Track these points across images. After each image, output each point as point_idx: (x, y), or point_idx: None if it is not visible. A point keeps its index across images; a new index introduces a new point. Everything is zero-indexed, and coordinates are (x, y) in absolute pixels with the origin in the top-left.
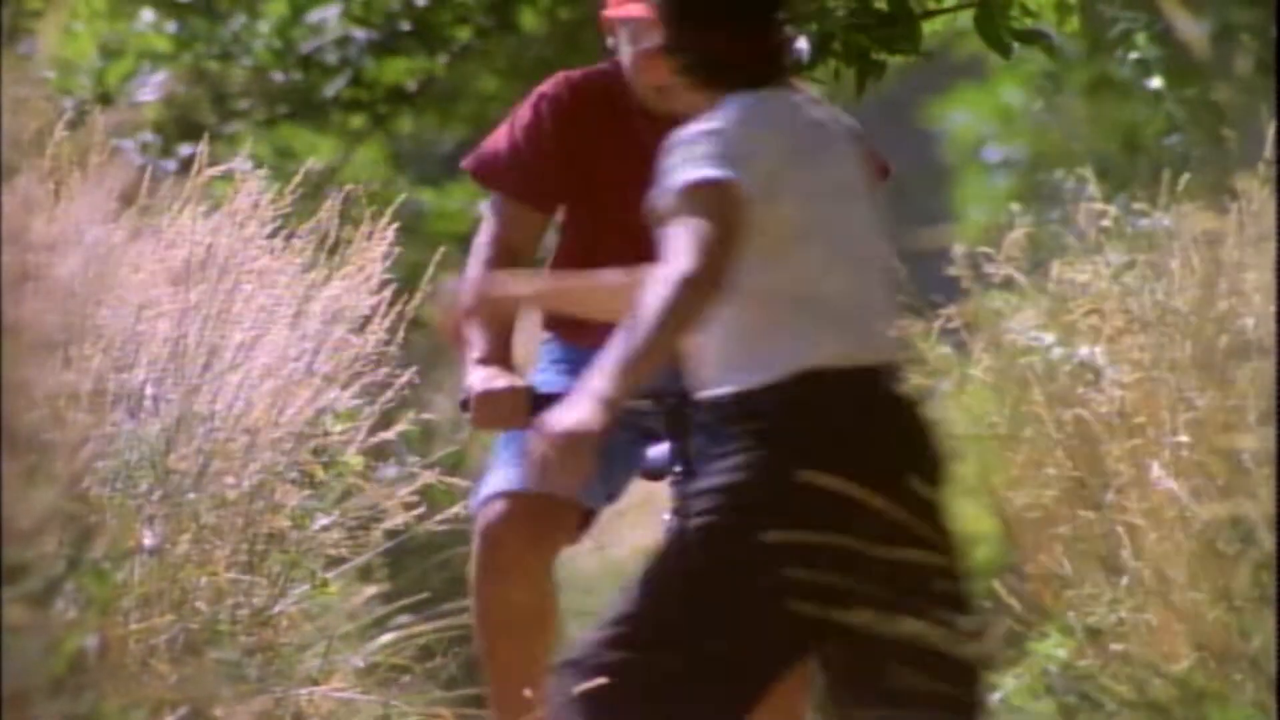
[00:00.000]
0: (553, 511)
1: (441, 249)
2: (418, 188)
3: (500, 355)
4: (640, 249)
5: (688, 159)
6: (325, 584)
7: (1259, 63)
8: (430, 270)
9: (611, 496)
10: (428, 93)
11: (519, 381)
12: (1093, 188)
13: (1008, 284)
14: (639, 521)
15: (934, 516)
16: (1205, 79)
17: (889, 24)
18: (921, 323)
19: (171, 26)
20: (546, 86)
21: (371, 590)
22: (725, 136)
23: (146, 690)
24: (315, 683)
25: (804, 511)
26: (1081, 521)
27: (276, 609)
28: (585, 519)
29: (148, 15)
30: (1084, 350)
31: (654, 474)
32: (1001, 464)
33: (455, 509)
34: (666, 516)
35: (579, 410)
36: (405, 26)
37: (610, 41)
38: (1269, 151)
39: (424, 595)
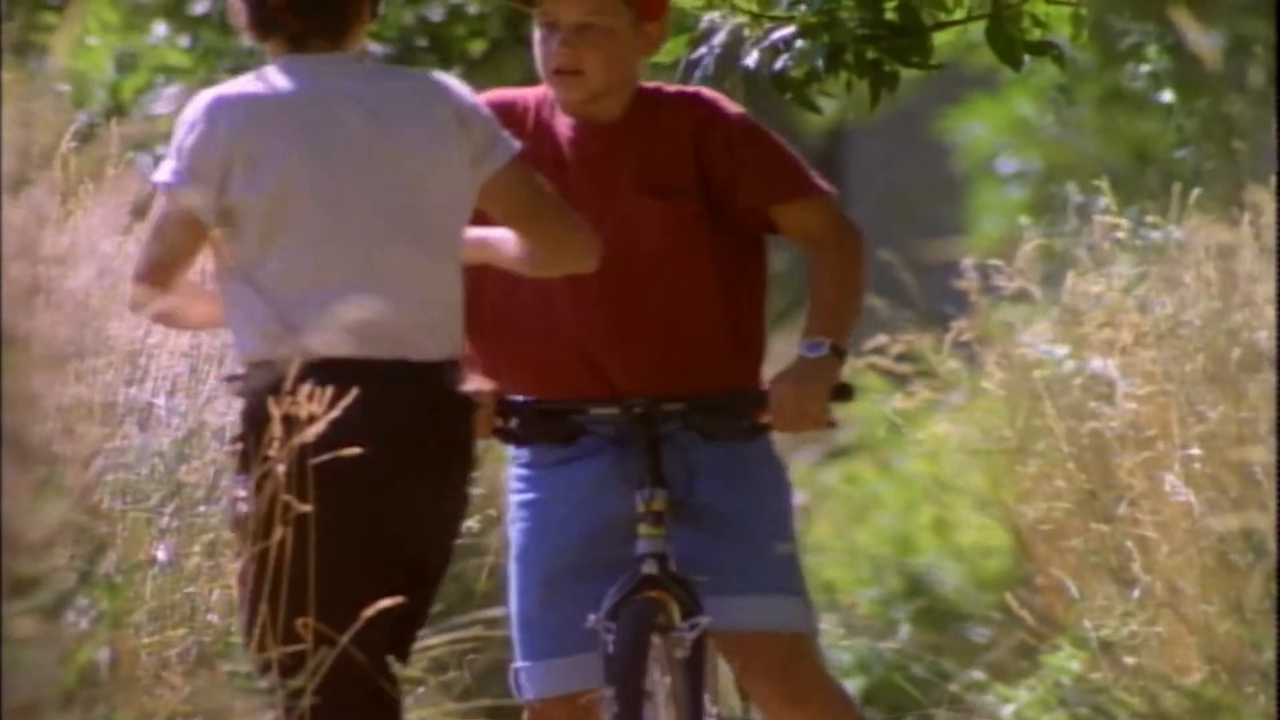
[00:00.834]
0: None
1: None
2: None
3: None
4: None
5: None
6: None
7: (1270, 75)
8: None
9: None
10: None
11: (485, 385)
12: (1105, 200)
13: (1020, 296)
14: None
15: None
16: (1216, 91)
17: (901, 36)
18: (933, 335)
19: (186, 40)
20: None
21: (384, 603)
22: None
23: (158, 703)
24: None
25: None
26: (1093, 534)
27: None
28: None
29: (162, 29)
30: (1096, 363)
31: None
32: (1013, 477)
33: (468, 522)
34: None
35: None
36: (421, 42)
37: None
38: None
39: (436, 609)
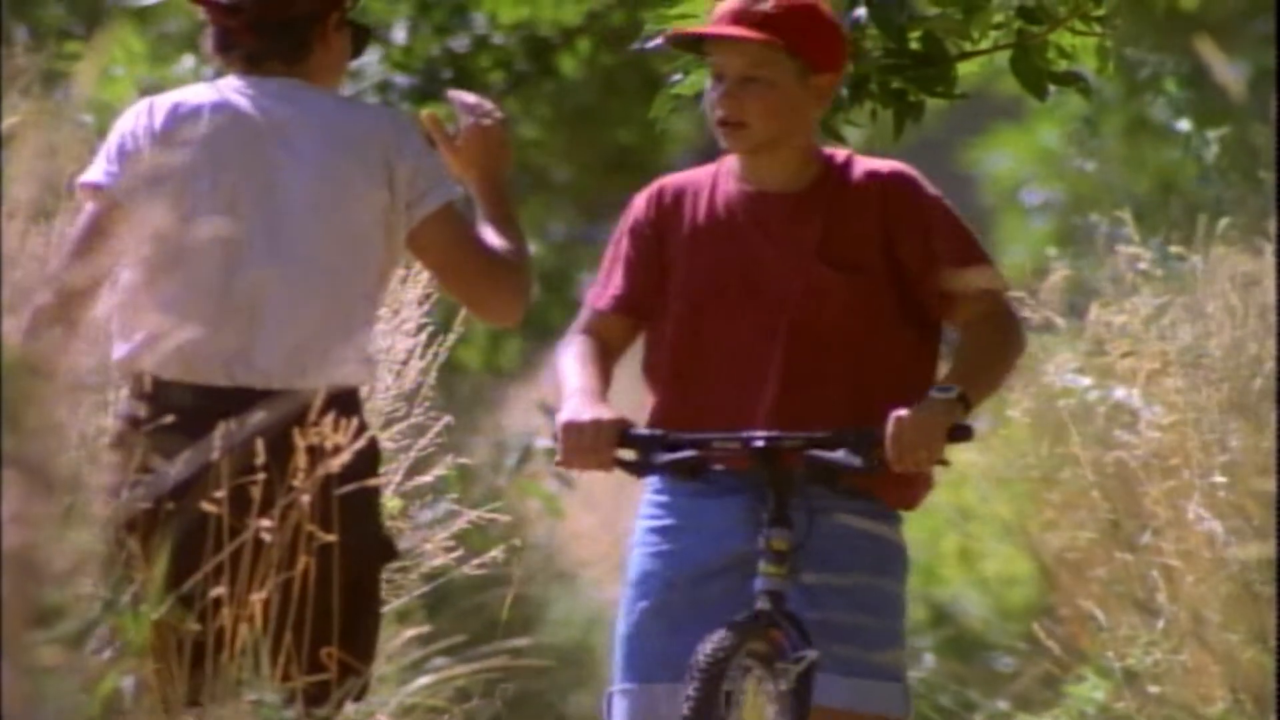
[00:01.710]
0: None
1: None
2: None
3: (594, 386)
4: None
5: None
6: None
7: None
8: (464, 313)
9: None
10: None
11: (608, 414)
12: (1129, 230)
13: (1045, 326)
14: None
15: None
16: (1240, 121)
17: (925, 65)
18: None
19: (210, 71)
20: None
21: (410, 632)
22: None
23: None
24: None
25: None
26: (1117, 563)
27: None
28: None
29: (188, 60)
30: (1120, 392)
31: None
32: (1038, 506)
33: (493, 552)
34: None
35: None
36: (446, 74)
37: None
38: None
39: (462, 638)
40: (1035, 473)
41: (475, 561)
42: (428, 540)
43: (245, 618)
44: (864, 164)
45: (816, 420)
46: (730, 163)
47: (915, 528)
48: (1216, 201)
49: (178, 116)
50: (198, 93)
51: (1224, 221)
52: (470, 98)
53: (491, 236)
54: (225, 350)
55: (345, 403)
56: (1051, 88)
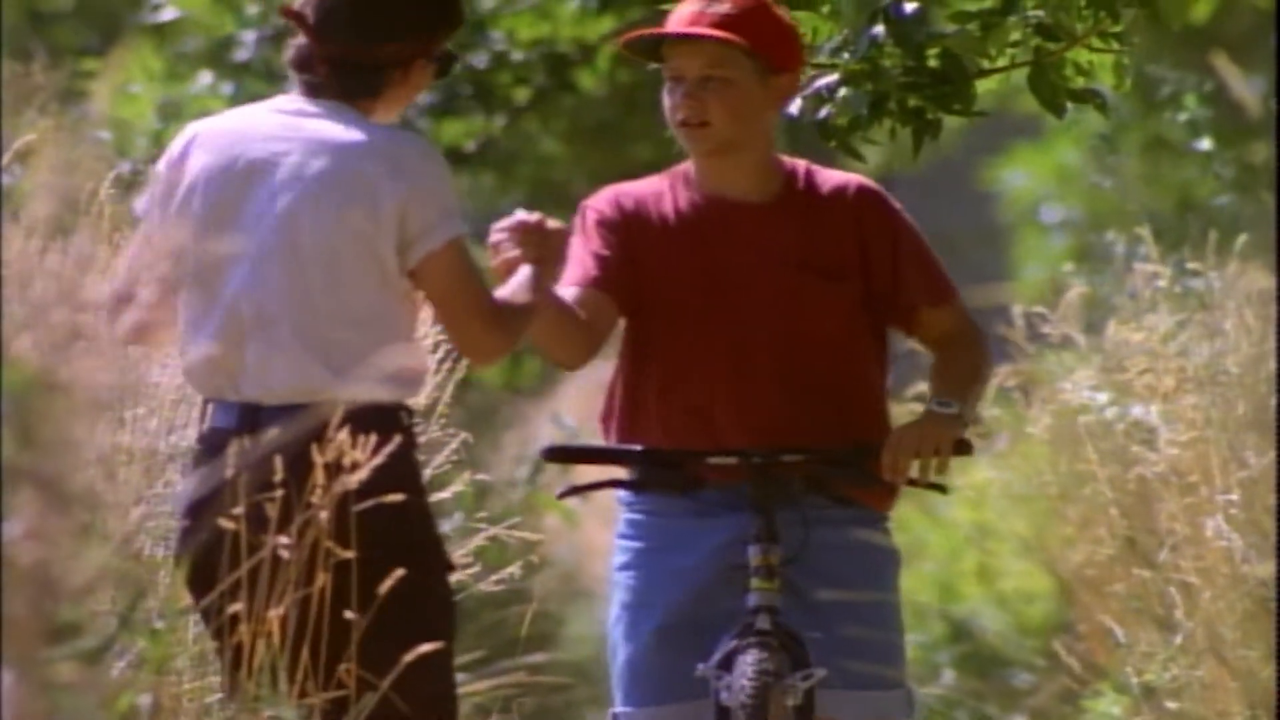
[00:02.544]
0: None
1: None
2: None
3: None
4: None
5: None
6: None
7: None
8: None
9: None
10: (486, 153)
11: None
12: (1147, 248)
13: (1064, 343)
14: None
15: None
16: (1257, 139)
17: (943, 83)
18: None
19: (228, 88)
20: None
21: (426, 649)
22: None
23: None
24: None
25: None
26: (1136, 580)
27: None
28: None
29: (205, 78)
30: (1138, 409)
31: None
32: (1056, 523)
33: (511, 568)
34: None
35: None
36: (465, 90)
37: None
38: None
39: (480, 654)
40: (1053, 489)
41: (493, 578)
42: None
43: (263, 634)
44: (828, 175)
45: (807, 430)
46: (686, 172)
47: (934, 544)
48: (1234, 218)
49: (195, 140)
50: (229, 115)
51: (1241, 238)
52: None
53: (506, 286)
54: (231, 367)
55: (372, 419)
56: (1069, 105)
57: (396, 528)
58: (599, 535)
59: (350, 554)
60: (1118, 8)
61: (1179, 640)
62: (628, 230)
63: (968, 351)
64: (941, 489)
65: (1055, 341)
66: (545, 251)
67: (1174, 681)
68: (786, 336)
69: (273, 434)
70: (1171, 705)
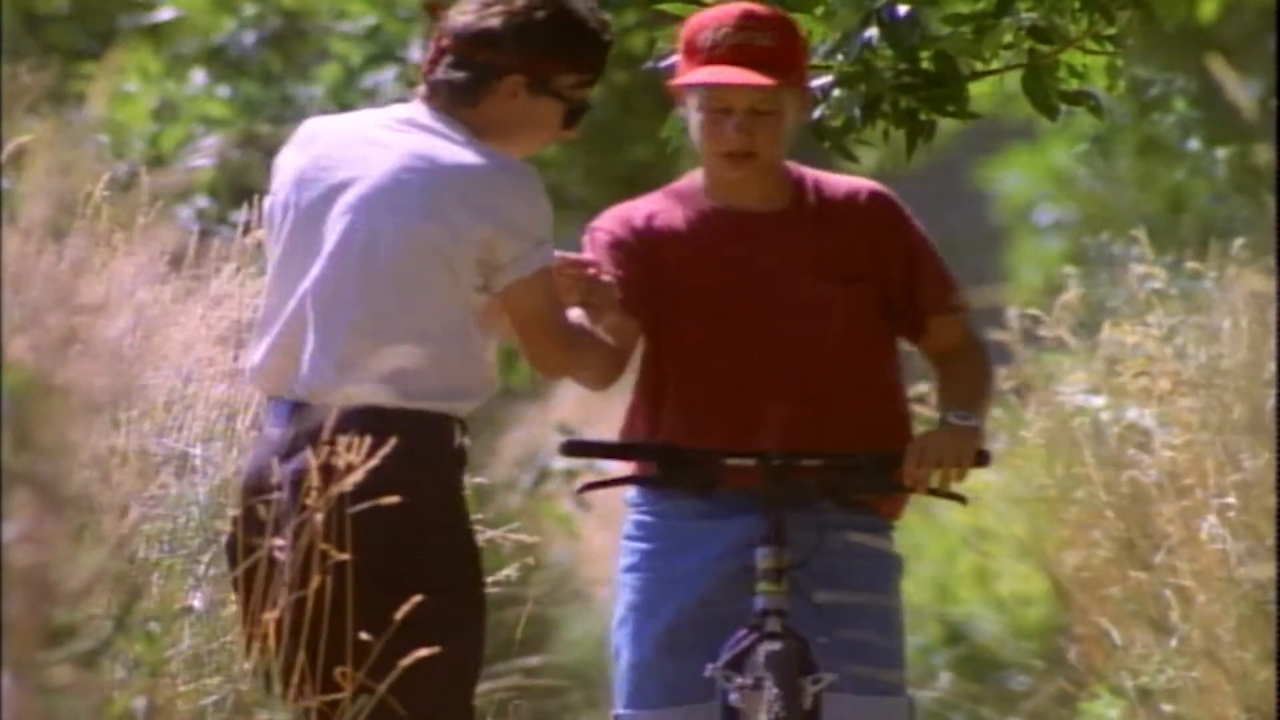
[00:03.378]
0: None
1: None
2: None
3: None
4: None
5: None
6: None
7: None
8: None
9: None
10: None
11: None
12: (1141, 249)
13: (1059, 346)
14: None
15: None
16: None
17: (937, 85)
18: None
19: (225, 90)
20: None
21: (422, 652)
22: None
23: None
24: None
25: None
26: (1132, 582)
27: None
28: None
29: (200, 78)
30: (1134, 412)
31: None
32: (1053, 525)
33: (507, 571)
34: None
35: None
36: None
37: (681, 113)
38: None
39: None
40: (1050, 492)
41: (490, 580)
42: None
43: (259, 636)
44: (838, 180)
45: (827, 434)
46: (691, 186)
47: (930, 547)
48: (1229, 221)
49: (305, 134)
50: (345, 116)
51: (1237, 241)
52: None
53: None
54: (289, 366)
55: (417, 429)
56: (1063, 107)
57: (392, 532)
58: (596, 538)
59: (344, 556)
60: (1111, 10)
61: (1175, 643)
62: (642, 248)
63: (976, 363)
64: (961, 499)
65: (1051, 344)
66: (593, 299)
67: (1170, 684)
68: (806, 342)
69: (292, 432)
70: (1167, 708)
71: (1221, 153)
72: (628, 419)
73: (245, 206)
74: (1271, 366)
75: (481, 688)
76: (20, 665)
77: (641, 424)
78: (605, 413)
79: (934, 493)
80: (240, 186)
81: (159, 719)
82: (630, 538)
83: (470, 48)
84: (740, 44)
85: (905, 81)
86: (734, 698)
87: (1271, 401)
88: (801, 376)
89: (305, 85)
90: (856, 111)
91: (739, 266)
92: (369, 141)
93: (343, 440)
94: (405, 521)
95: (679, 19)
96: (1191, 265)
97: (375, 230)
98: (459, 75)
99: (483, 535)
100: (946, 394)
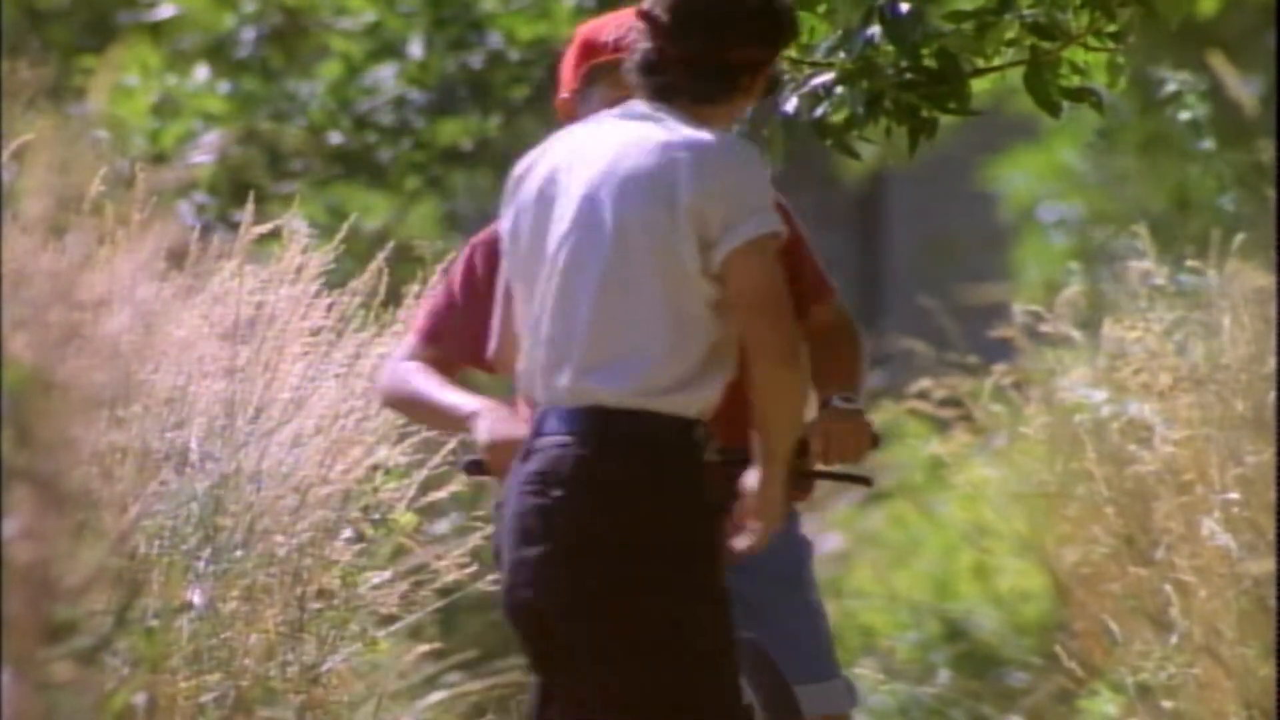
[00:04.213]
0: None
1: None
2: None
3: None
4: None
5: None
6: (375, 642)
7: None
8: None
9: None
10: (483, 153)
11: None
12: (1144, 246)
13: (1061, 341)
14: None
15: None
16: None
17: (939, 82)
18: (975, 379)
19: (225, 87)
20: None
21: (422, 648)
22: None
23: None
24: None
25: None
26: (1132, 578)
27: (326, 667)
28: None
29: (203, 73)
30: (1135, 407)
31: None
32: (1053, 521)
33: None
34: None
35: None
36: (461, 92)
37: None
38: None
39: (475, 654)
40: (1050, 488)
41: (489, 577)
42: (441, 556)
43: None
44: None
45: (737, 430)
46: None
47: (930, 543)
48: (1231, 217)
49: (541, 152)
50: (582, 128)
51: (1239, 237)
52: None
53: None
54: (537, 368)
55: (662, 432)
56: (1065, 104)
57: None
58: None
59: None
60: (1113, 6)
61: (1175, 639)
62: None
63: (850, 347)
64: (867, 481)
65: (1052, 339)
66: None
67: (1170, 680)
68: None
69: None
70: (1167, 704)
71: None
72: None
73: (245, 203)
74: (1272, 362)
75: (483, 684)
76: (20, 661)
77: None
78: None
79: (839, 477)
80: (240, 183)
81: (159, 715)
82: None
83: (725, 51)
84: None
85: (907, 78)
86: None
87: (1272, 397)
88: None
89: (306, 82)
90: (859, 108)
91: None
92: (594, 138)
93: (586, 442)
94: (655, 525)
95: None
96: (1191, 263)
97: (604, 226)
98: (715, 79)
99: (484, 532)
100: (826, 378)
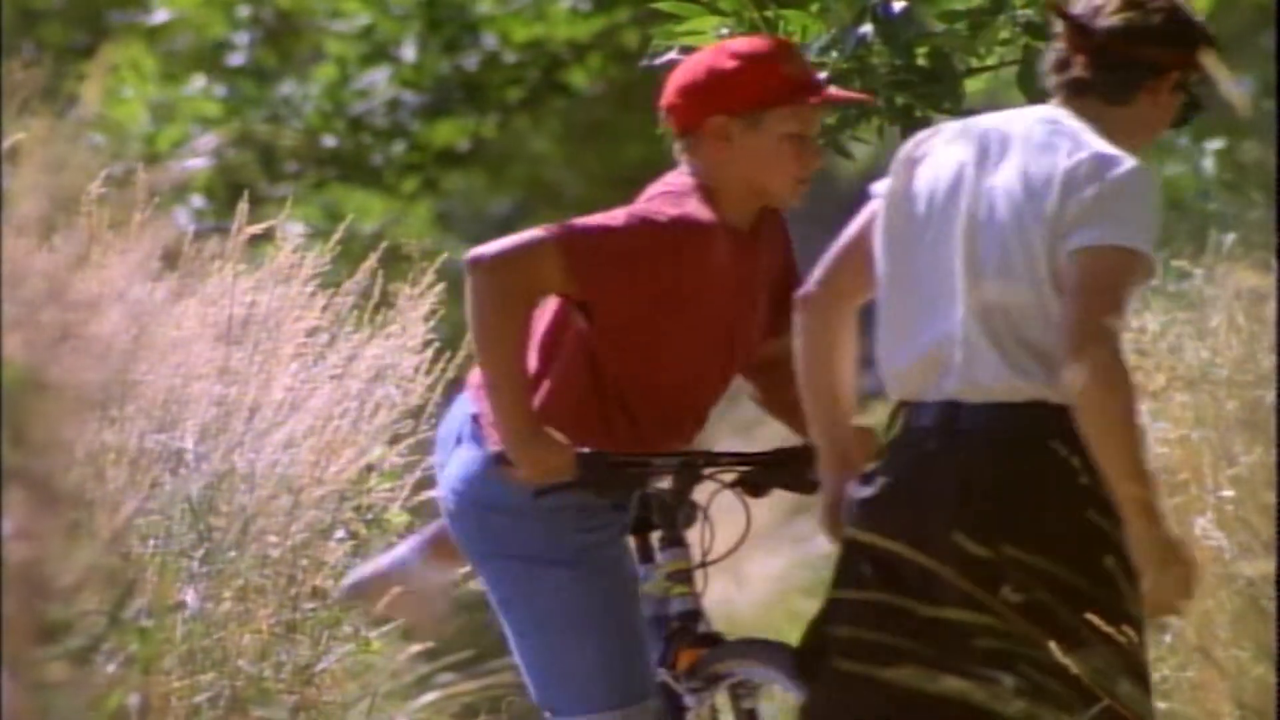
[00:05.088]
0: None
1: None
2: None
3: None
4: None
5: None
6: (368, 642)
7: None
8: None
9: None
10: (478, 154)
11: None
12: None
13: None
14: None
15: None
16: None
17: (932, 82)
18: None
19: (221, 91)
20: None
21: (415, 648)
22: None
23: None
24: None
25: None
26: None
27: (320, 667)
28: None
29: (200, 81)
30: None
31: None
32: None
33: None
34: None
35: None
36: (456, 94)
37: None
38: None
39: (467, 654)
40: None
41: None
42: None
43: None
44: None
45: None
46: (695, 193)
47: None
48: (1223, 217)
49: (935, 140)
50: (981, 121)
51: (1230, 237)
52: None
53: None
54: (941, 364)
55: (1064, 422)
56: None
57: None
58: None
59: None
60: None
61: (1169, 640)
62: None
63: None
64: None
65: None
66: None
67: (1164, 682)
68: (743, 356)
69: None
70: (1161, 705)
71: (1211, 148)
72: (575, 422)
73: (240, 206)
74: (1265, 361)
75: (476, 684)
76: (14, 662)
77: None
78: None
79: None
80: (236, 185)
81: (152, 715)
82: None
83: (1132, 46)
84: (806, 65)
85: (900, 78)
86: (690, 699)
87: (1265, 396)
88: (725, 385)
89: (301, 85)
90: (852, 108)
91: (740, 298)
92: (1000, 136)
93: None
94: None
95: (674, 17)
96: (1178, 264)
97: (1004, 221)
98: (1117, 73)
99: None
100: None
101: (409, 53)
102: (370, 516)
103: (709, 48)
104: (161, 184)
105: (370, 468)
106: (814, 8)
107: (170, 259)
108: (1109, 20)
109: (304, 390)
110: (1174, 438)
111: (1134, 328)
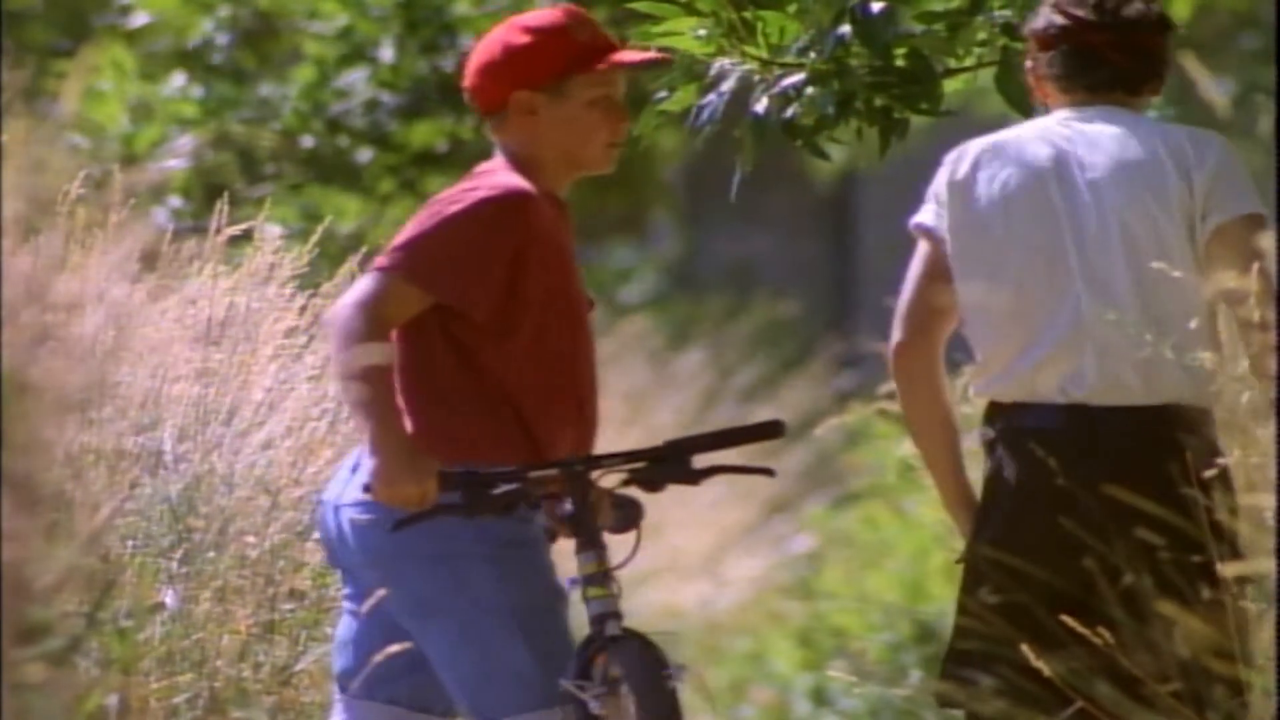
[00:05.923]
0: None
1: None
2: None
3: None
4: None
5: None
6: None
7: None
8: None
9: None
10: (456, 155)
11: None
12: None
13: None
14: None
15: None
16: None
17: (910, 83)
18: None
19: (199, 91)
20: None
21: (394, 649)
22: None
23: None
24: None
25: None
26: None
27: (298, 667)
28: None
29: (179, 80)
30: None
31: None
32: None
33: None
34: (570, 580)
35: None
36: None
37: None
38: None
39: None
40: None
41: None
42: None
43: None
44: None
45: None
46: (508, 169)
47: (902, 544)
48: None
49: (981, 156)
50: (1008, 130)
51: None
52: None
53: None
54: (1066, 369)
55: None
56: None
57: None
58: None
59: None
60: None
61: None
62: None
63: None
64: (770, 472)
65: None
66: None
67: None
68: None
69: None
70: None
71: None
72: (467, 439)
73: (218, 206)
74: (1245, 363)
75: None
76: None
77: (490, 443)
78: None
79: (739, 470)
80: (214, 187)
81: (131, 716)
82: (481, 539)
83: (1158, 35)
84: (605, 33)
85: (878, 79)
86: (594, 705)
87: (1246, 398)
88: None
89: (279, 85)
90: (829, 109)
91: (574, 267)
92: (1056, 140)
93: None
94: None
95: (651, 17)
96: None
97: (1119, 220)
98: (1146, 62)
99: None
100: None
101: (387, 54)
102: None
103: (501, 25)
104: (139, 185)
105: None
106: (792, 8)
107: (149, 260)
108: (1141, 11)
109: (282, 391)
110: None
111: None
